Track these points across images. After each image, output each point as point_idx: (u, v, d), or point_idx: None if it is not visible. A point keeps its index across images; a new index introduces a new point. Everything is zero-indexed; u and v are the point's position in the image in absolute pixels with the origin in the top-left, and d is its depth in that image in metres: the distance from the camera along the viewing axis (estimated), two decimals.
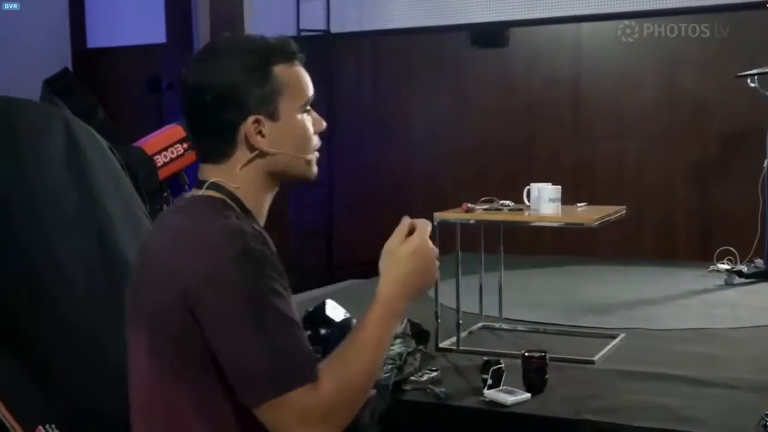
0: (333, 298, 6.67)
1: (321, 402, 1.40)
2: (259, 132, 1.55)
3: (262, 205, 1.62)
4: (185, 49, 8.88)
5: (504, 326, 4.88)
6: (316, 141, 1.64)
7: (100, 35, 9.00)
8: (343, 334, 1.77)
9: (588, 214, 4.38)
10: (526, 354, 3.71)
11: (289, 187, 9.03)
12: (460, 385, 3.82)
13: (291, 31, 8.69)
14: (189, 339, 1.44)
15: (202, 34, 8.98)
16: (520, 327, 4.88)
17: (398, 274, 1.53)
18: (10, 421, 2.11)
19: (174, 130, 3.34)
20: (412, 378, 3.84)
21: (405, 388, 3.78)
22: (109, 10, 9.20)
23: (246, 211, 1.57)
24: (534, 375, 3.63)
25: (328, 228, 8.92)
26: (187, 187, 3.35)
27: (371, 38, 8.73)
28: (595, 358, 4.12)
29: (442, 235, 4.42)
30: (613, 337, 4.52)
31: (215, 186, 1.56)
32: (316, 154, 1.65)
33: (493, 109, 8.38)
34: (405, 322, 4.29)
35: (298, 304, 5.45)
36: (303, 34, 8.66)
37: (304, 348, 1.42)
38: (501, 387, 3.61)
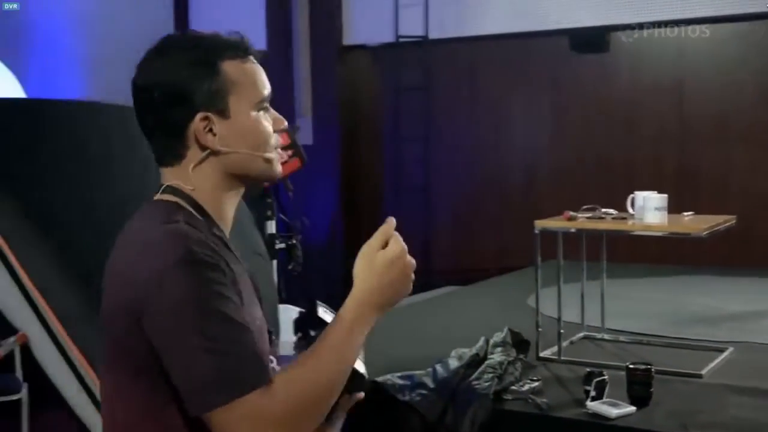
0: (431, 305, 6.68)
1: (273, 407, 1.33)
2: (210, 130, 1.47)
3: (222, 208, 1.52)
4: (286, 58, 9.02)
5: (606, 337, 4.78)
6: (275, 139, 1.56)
7: None
8: None
9: (696, 224, 4.26)
10: (631, 366, 3.63)
11: (384, 192, 9.08)
12: (562, 396, 3.76)
13: (390, 38, 8.73)
14: (137, 348, 1.40)
15: (302, 43, 9.10)
16: (622, 338, 4.78)
17: (373, 283, 1.45)
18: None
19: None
20: (513, 387, 3.81)
21: (505, 397, 3.74)
22: (212, 21, 9.41)
23: (205, 215, 1.49)
24: (639, 388, 3.55)
25: (425, 233, 8.91)
26: (291, 193, 3.39)
27: (469, 43, 8.70)
28: (703, 371, 4.00)
29: (543, 243, 4.38)
30: (721, 351, 4.38)
31: (171, 189, 1.50)
32: (279, 152, 1.58)
33: (592, 114, 8.25)
34: (505, 330, 4.25)
35: (397, 311, 5.45)
36: (401, 40, 8.68)
37: (254, 352, 1.36)
38: (604, 399, 3.54)
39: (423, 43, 8.71)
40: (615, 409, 3.44)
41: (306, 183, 6.83)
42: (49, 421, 4.06)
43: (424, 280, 8.45)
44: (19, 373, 4.54)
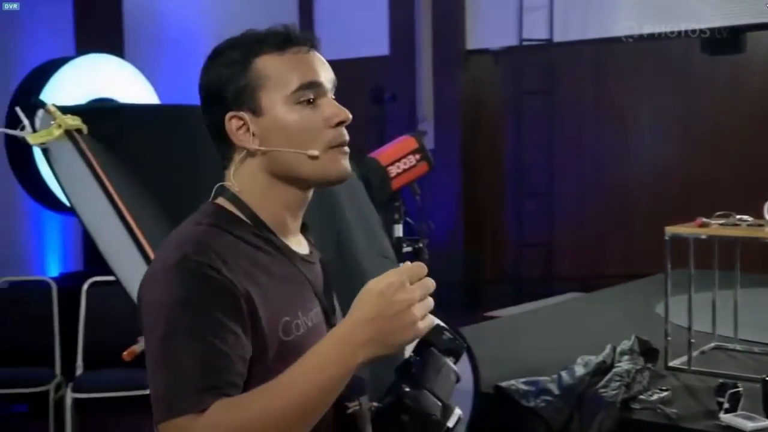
0: (555, 311, 6.60)
1: None
2: (247, 129, 1.39)
3: (275, 212, 1.42)
4: (408, 61, 9.07)
5: (739, 347, 4.62)
6: (330, 134, 1.40)
7: (328, 48, 9.32)
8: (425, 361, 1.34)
9: None
10: None
11: (502, 198, 9.01)
12: (693, 407, 3.66)
13: (513, 42, 8.67)
14: None
15: (425, 46, 9.13)
16: (756, 349, 4.61)
17: (358, 317, 1.26)
18: None
19: (407, 141, 3.41)
20: (641, 397, 3.73)
21: (633, 406, 3.66)
22: (336, 24, 9.55)
23: (255, 218, 1.41)
24: None
25: (548, 239, 8.81)
26: (418, 198, 3.41)
27: (595, 46, 8.55)
28: None
29: (673, 250, 4.27)
30: None
31: (221, 190, 1.44)
32: (343, 149, 1.41)
33: (725, 117, 7.98)
34: (632, 338, 4.16)
35: (522, 316, 5.43)
36: (525, 44, 8.61)
37: (207, 373, 1.26)
38: (738, 412, 3.42)
39: (547, 46, 8.61)
40: (751, 422, 3.33)
41: (427, 187, 6.86)
42: None
43: (546, 287, 8.37)
44: None
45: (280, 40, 1.42)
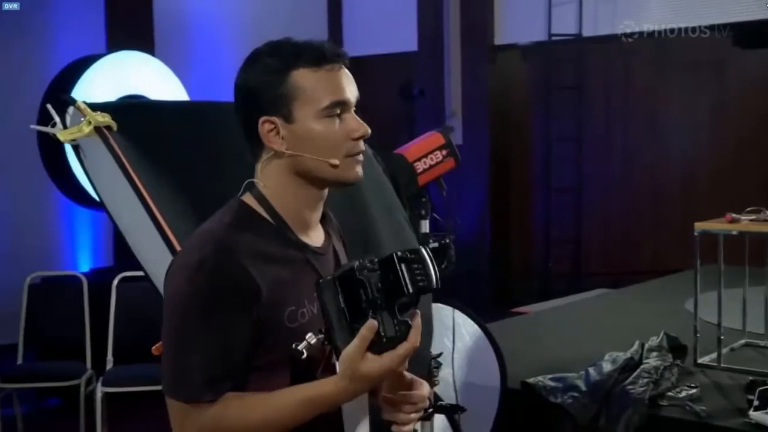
0: (583, 307, 6.57)
1: (201, 424, 1.46)
2: (277, 133, 1.55)
3: (295, 208, 1.58)
4: (436, 57, 9.06)
5: None
6: (350, 146, 1.56)
7: (357, 44, 9.36)
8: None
9: None
10: None
11: (529, 193, 8.98)
12: (722, 404, 3.64)
13: (542, 37, 8.63)
14: None
15: (453, 42, 9.12)
16: None
17: (348, 386, 1.45)
18: None
19: (434, 137, 3.40)
20: (669, 393, 3.71)
21: (662, 403, 3.65)
22: (365, 22, 9.55)
23: (276, 217, 1.56)
24: None
25: (576, 235, 8.77)
26: (444, 193, 3.40)
27: (625, 41, 8.48)
28: None
29: (702, 246, 4.24)
30: None
31: (250, 186, 1.60)
32: (359, 158, 1.58)
33: (756, 113, 7.90)
34: (661, 334, 4.14)
35: (548, 313, 5.40)
36: (554, 38, 8.56)
37: (214, 366, 1.45)
38: None
39: (576, 40, 8.56)
40: None
41: (455, 182, 6.85)
42: None
43: (574, 283, 8.34)
44: None
45: (315, 56, 1.55)
